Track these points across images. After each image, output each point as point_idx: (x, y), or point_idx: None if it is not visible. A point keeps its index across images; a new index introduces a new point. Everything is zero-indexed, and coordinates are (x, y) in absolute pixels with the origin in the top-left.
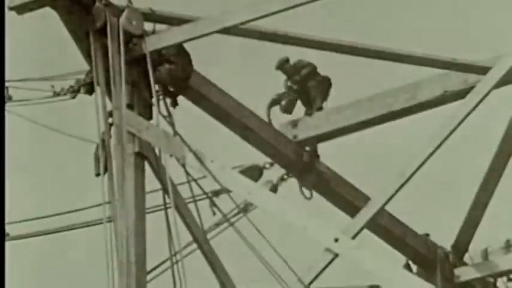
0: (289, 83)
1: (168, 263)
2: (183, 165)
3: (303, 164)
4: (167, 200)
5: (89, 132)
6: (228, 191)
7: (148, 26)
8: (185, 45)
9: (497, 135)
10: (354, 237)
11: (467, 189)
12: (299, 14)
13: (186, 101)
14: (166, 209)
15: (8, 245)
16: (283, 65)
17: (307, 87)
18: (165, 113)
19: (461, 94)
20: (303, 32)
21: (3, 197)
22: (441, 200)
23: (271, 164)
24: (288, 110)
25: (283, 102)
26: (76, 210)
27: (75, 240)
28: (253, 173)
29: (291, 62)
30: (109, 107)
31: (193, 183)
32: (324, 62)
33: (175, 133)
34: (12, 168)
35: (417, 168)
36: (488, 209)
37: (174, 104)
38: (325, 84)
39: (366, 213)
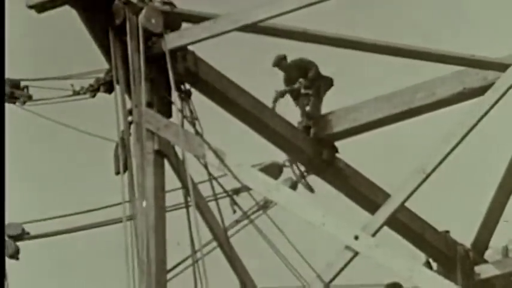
0: (302, 90)
1: (188, 262)
2: (203, 164)
3: (322, 162)
4: (188, 198)
5: (109, 130)
6: (247, 189)
7: None
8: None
9: None
10: (373, 235)
11: (487, 186)
12: (317, 11)
13: (205, 98)
14: (187, 207)
15: (29, 243)
16: (279, 62)
17: (316, 88)
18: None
19: (480, 91)
20: (321, 29)
21: (4, 197)
22: (461, 197)
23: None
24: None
25: (307, 108)
26: (96, 209)
27: (95, 239)
28: (273, 170)
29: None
30: (128, 105)
31: (213, 181)
32: (342, 59)
33: (196, 131)
34: (33, 167)
35: (437, 165)
36: (508, 206)
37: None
38: (329, 83)
39: (386, 211)
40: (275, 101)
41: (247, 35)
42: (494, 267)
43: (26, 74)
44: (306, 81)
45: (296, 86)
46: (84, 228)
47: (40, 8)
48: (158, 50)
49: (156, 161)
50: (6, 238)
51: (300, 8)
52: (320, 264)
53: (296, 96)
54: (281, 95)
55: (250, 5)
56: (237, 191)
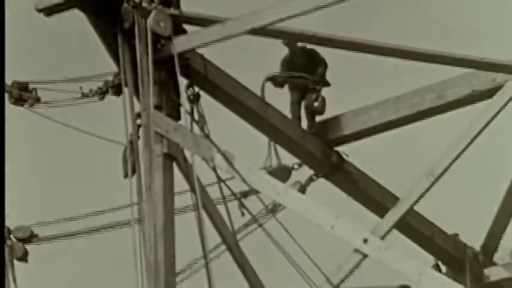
0: (311, 85)
1: (195, 265)
2: (212, 167)
3: (331, 165)
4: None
5: (117, 133)
6: (256, 192)
7: None
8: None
9: None
10: (382, 238)
11: (497, 189)
12: (327, 14)
13: (213, 101)
14: (198, 210)
15: (37, 246)
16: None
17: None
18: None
19: (489, 93)
20: (331, 32)
21: (3, 197)
22: (470, 199)
23: (300, 165)
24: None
25: (316, 104)
26: (105, 211)
27: (103, 241)
28: (282, 173)
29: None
30: (137, 108)
31: (221, 184)
32: (352, 62)
33: (204, 133)
34: (42, 170)
35: (446, 167)
36: None
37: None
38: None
39: (395, 214)
40: (263, 86)
41: (255, 37)
42: (503, 270)
43: (35, 77)
44: (314, 76)
45: (296, 75)
46: (92, 230)
47: (49, 12)
48: (167, 53)
49: (164, 164)
50: (15, 241)
51: (309, 11)
52: (329, 267)
53: (292, 87)
54: (275, 80)
55: (259, 8)
56: (245, 194)
